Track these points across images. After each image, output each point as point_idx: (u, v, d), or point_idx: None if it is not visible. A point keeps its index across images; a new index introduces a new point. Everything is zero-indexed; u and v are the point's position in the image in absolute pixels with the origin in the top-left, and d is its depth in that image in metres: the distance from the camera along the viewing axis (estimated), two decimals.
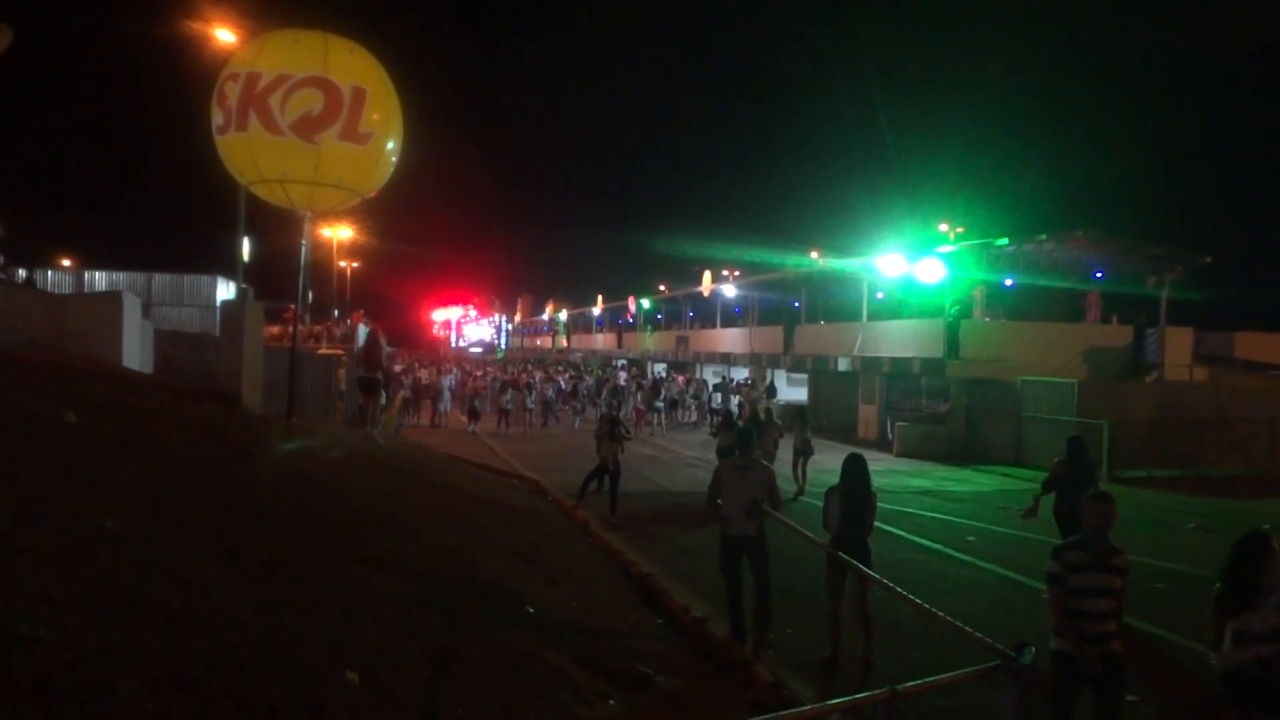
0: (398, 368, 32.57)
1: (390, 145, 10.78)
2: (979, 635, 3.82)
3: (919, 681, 3.48)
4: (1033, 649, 3.46)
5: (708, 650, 7.10)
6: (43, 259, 34.39)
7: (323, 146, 9.89)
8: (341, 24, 10.77)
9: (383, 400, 19.14)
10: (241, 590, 5.00)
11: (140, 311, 13.97)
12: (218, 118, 10.18)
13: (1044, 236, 23.19)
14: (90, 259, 36.31)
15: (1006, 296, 28.04)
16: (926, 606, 4.44)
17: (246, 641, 4.31)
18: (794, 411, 19.67)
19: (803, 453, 16.76)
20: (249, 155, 10.06)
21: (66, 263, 35.12)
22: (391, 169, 11.13)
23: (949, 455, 22.57)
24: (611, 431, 13.22)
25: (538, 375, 33.86)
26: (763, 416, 17.60)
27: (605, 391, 29.77)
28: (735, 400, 27.35)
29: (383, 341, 15.01)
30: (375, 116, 10.31)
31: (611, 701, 5.49)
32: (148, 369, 14.14)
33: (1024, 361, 22.83)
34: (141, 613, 4.16)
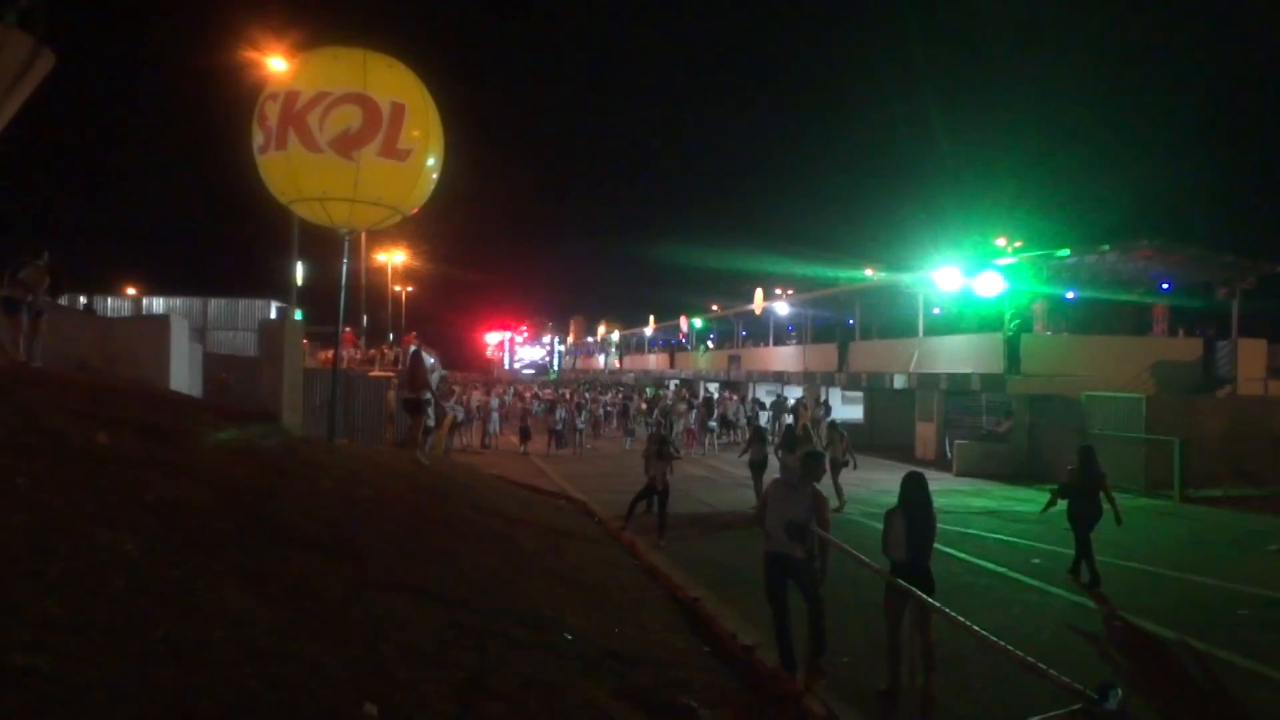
0: (455, 388, 32.71)
1: (431, 162, 10.64)
2: (1054, 674, 3.41)
3: None
4: (1119, 691, 3.04)
5: (757, 681, 6.72)
6: (105, 287, 35.16)
7: (362, 163, 9.79)
8: (384, 42, 10.71)
9: (430, 422, 19.11)
10: (261, 618, 4.76)
11: (188, 334, 14.02)
12: (258, 138, 10.15)
13: (1107, 247, 22.40)
14: (153, 286, 37.11)
15: (1068, 310, 27.18)
16: (995, 640, 4.03)
17: (259, 674, 4.05)
18: (827, 426, 19.35)
19: (840, 465, 16.56)
20: (288, 174, 10.00)
21: (131, 291, 35.90)
22: (433, 186, 10.99)
23: (1011, 474, 21.82)
24: (660, 451, 12.88)
25: (587, 395, 33.69)
26: (799, 432, 17.40)
27: (655, 410, 29.48)
28: (788, 419, 26.81)
29: (428, 361, 14.87)
30: (415, 133, 10.19)
31: None
32: (196, 392, 14.16)
33: (1088, 377, 22.03)
34: (149, 642, 3.93)
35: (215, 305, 28.69)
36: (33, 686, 3.22)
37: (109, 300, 29.07)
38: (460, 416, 27.24)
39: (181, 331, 13.65)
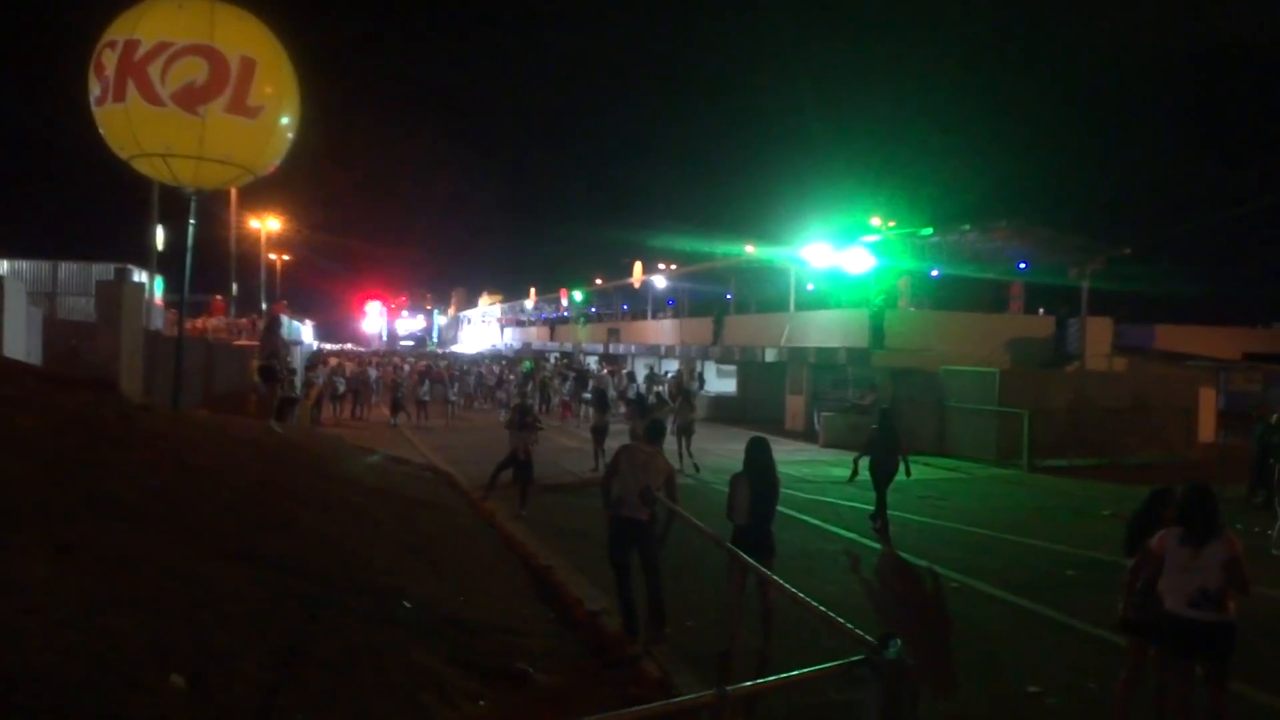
0: (331, 360, 31.81)
1: (285, 120, 10.28)
2: (848, 626, 3.54)
3: (757, 682, 3.19)
4: (899, 641, 3.17)
5: (599, 646, 6.80)
6: None
7: (208, 119, 9.39)
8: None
9: (295, 392, 18.58)
10: (67, 589, 4.55)
11: (23, 298, 13.19)
12: (95, 89, 9.62)
13: (968, 226, 23.28)
14: (3, 250, 34.76)
15: (932, 287, 28.13)
16: (800, 595, 4.16)
17: (53, 647, 3.87)
18: (681, 393, 20.60)
19: (686, 432, 17.97)
20: (128, 128, 9.51)
21: None
22: (287, 145, 10.62)
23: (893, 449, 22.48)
24: (521, 421, 12.82)
25: (464, 367, 33.30)
26: (650, 400, 19.00)
27: (516, 382, 29.42)
28: (658, 390, 27.07)
29: (294, 328, 14.43)
30: (267, 89, 9.83)
31: (481, 702, 5.14)
32: (35, 359, 13.37)
33: (949, 351, 22.93)
34: None
35: (66, 269, 27.02)
36: None
37: None
38: (341, 388, 26.59)
39: (17, 295, 12.84)
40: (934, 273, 27.31)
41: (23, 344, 12.88)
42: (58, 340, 15.30)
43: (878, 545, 11.26)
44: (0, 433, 6.80)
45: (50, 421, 7.53)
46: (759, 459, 7.41)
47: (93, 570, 4.92)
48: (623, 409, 23.72)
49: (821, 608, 3.94)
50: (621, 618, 7.19)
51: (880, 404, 14.42)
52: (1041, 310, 29.08)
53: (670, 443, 16.32)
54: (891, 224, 26.28)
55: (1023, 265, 27.37)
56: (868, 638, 3.40)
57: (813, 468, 18.19)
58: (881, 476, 12.42)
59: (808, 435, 24.69)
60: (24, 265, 26.36)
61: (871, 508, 12.68)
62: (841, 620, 3.74)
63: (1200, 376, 22.85)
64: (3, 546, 4.74)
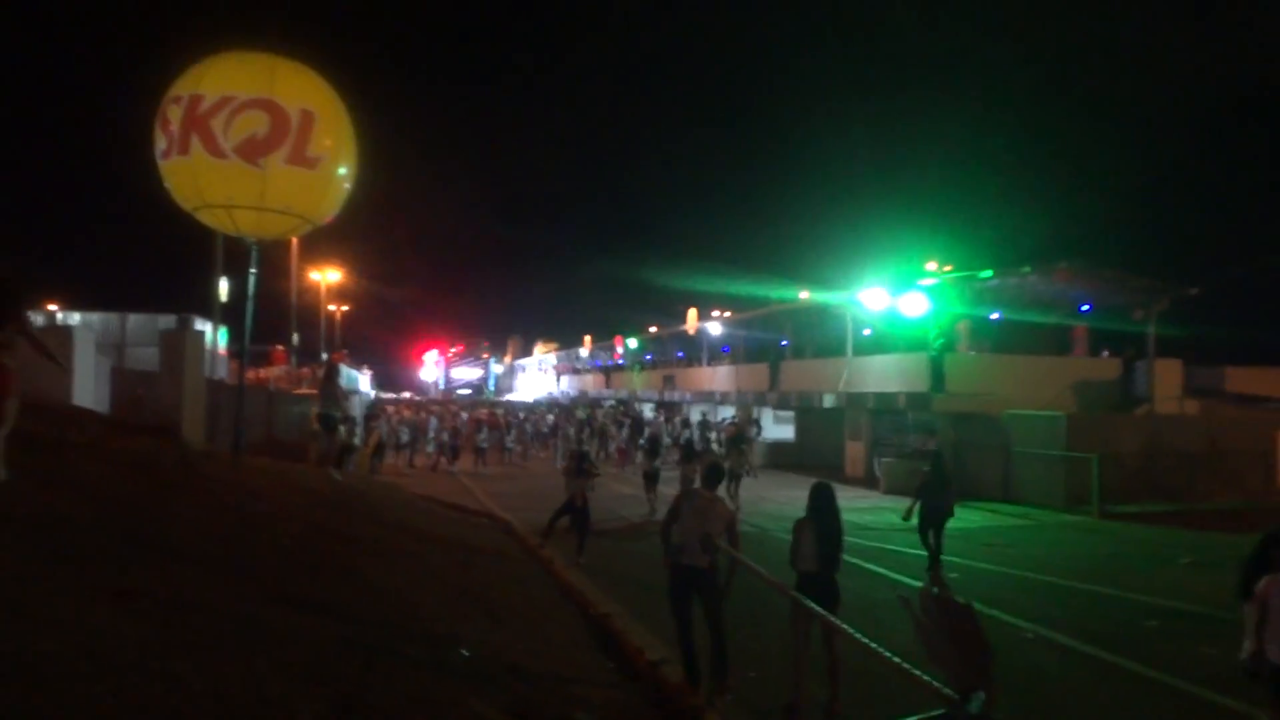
0: (386, 409, 32.15)
1: (343, 171, 10.43)
2: (925, 678, 3.35)
3: None
4: (982, 695, 2.98)
5: (660, 697, 6.59)
6: (27, 304, 33.44)
7: (269, 170, 9.54)
8: (309, 49, 10.45)
9: (356, 440, 18.73)
10: (126, 634, 4.52)
11: (93, 348, 13.52)
12: (161, 143, 9.85)
13: (1028, 269, 22.86)
14: (73, 303, 35.86)
15: (992, 330, 27.66)
16: (874, 646, 3.96)
17: (112, 692, 3.82)
18: (728, 440, 20.89)
19: (736, 476, 18.17)
20: (192, 180, 9.71)
21: (52, 307, 34.63)
22: (345, 195, 10.76)
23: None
24: (579, 468, 12.73)
25: (520, 415, 33.42)
26: (698, 447, 19.63)
27: (573, 429, 29.40)
28: (714, 437, 26.84)
29: (353, 378, 14.58)
30: (326, 141, 9.99)
31: None
32: (102, 407, 13.66)
33: (1011, 396, 22.40)
34: None
35: (135, 321, 27.83)
36: None
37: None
38: (405, 438, 26.75)
39: (87, 345, 13.17)
40: (994, 316, 26.85)
41: (91, 392, 13.18)
42: (124, 389, 15.64)
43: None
44: (66, 477, 6.88)
45: (114, 467, 7.61)
46: (824, 504, 7.23)
47: (152, 615, 4.89)
48: (675, 456, 23.61)
49: (895, 658, 3.75)
50: (683, 668, 6.98)
51: (934, 448, 14.30)
52: (1106, 353, 28.36)
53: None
54: (948, 267, 25.93)
55: (1085, 307, 26.79)
56: (946, 690, 3.22)
57: (875, 514, 17.80)
58: (935, 519, 12.55)
59: (868, 481, 24.24)
60: (94, 317, 27.21)
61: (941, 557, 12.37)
62: (918, 672, 3.56)
63: (1278, 419, 22.06)
64: (65, 590, 4.74)
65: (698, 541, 7.08)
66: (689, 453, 18.65)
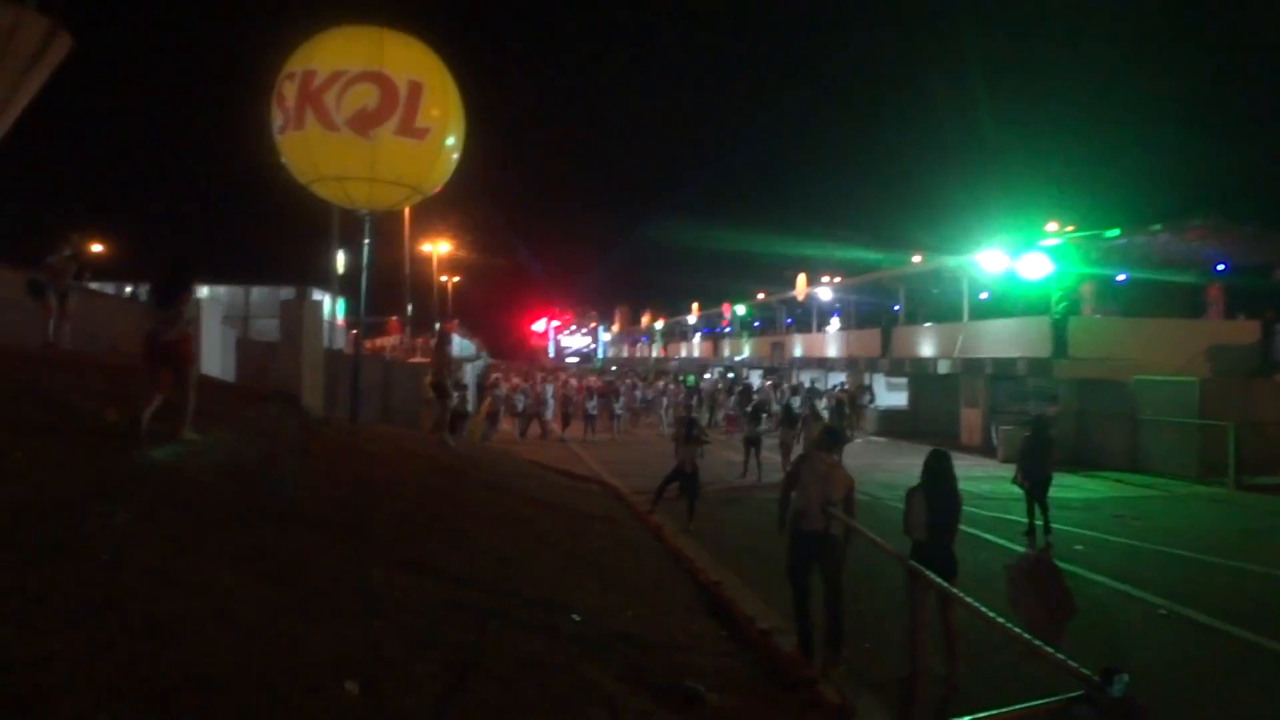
0: (495, 376, 32.73)
1: (450, 141, 10.51)
2: (1060, 657, 3.15)
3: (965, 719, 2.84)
4: (1125, 677, 2.78)
5: (773, 667, 6.49)
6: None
7: (379, 142, 9.69)
8: (413, 21, 10.55)
9: (468, 407, 19.08)
10: (250, 594, 4.65)
11: (219, 319, 14.08)
12: (277, 119, 10.10)
13: (1158, 227, 21.64)
14: (204, 278, 37.54)
15: (1119, 292, 26.35)
16: (1001, 622, 3.77)
17: (237, 649, 3.94)
18: (827, 407, 21.54)
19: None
20: (306, 153, 9.93)
21: None
22: (453, 165, 10.86)
23: (1058, 460, 21.16)
24: (688, 434, 12.65)
25: (626, 382, 33.56)
26: (799, 412, 19.78)
27: (677, 395, 29.42)
28: (822, 404, 26.40)
29: (466, 347, 14.83)
30: (434, 111, 10.07)
31: None
32: (229, 376, 14.24)
33: (1139, 361, 21.34)
34: (125, 615, 3.82)
35: (258, 293, 29.08)
36: None
37: None
38: (521, 406, 27.10)
39: (213, 316, 13.71)
40: (1120, 277, 25.61)
41: (218, 362, 13.75)
42: (249, 359, 16.30)
43: (1070, 567, 10.47)
44: (193, 441, 7.14)
45: (236, 433, 7.87)
46: (939, 471, 6.97)
47: (274, 576, 5.02)
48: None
49: (1026, 635, 3.55)
50: (798, 637, 6.86)
51: (1041, 415, 14.58)
52: (1242, 315, 26.75)
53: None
54: (1070, 228, 24.80)
55: (1221, 267, 25.31)
56: (1084, 671, 3.02)
57: (993, 484, 17.21)
58: (1035, 484, 12.44)
59: (985, 450, 23.50)
60: (221, 290, 28.49)
61: (1065, 528, 11.94)
62: (1049, 649, 3.35)
63: None
64: (195, 550, 4.90)
65: (819, 507, 6.94)
66: (789, 417, 18.92)
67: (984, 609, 3.93)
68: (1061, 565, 10.24)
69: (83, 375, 8.37)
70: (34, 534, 4.47)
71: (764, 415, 20.43)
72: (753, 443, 18.38)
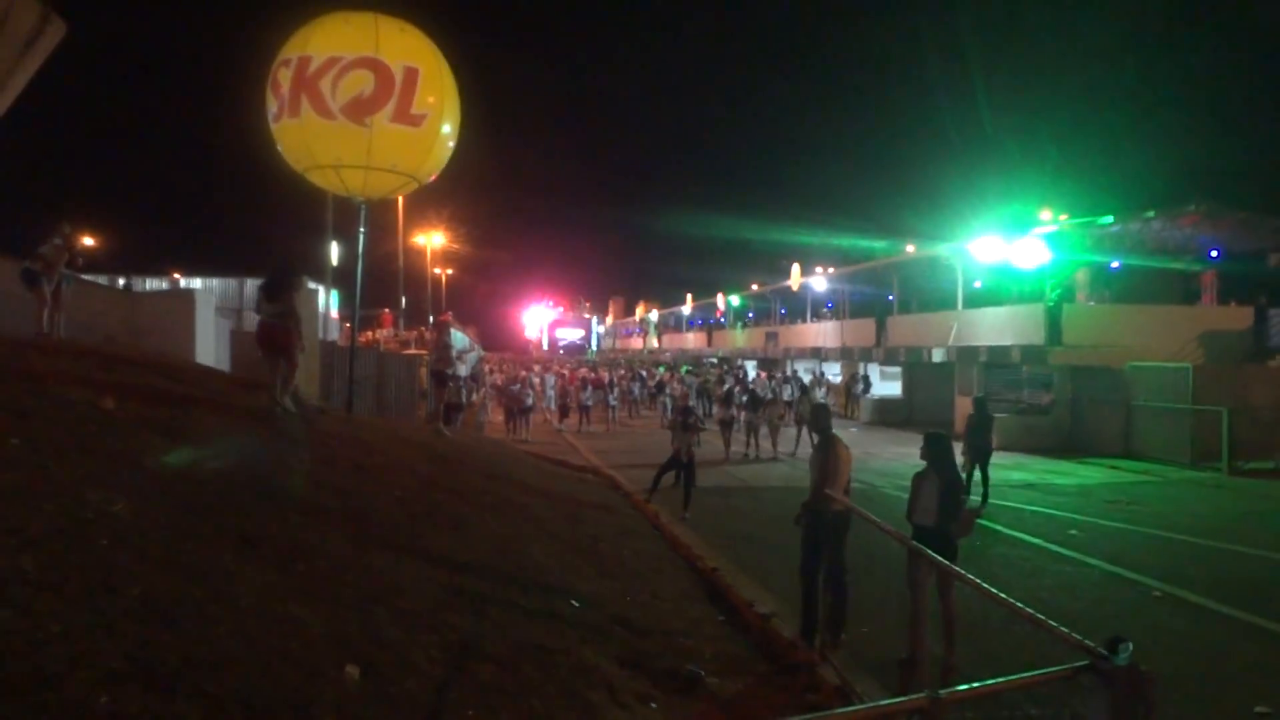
0: (487, 369, 32.67)
1: (446, 128, 10.46)
2: (1063, 630, 3.16)
3: (973, 686, 2.85)
4: (1129, 645, 2.79)
5: (772, 650, 6.50)
6: (153, 270, 35.56)
7: (374, 129, 9.64)
8: (405, 7, 10.49)
9: (462, 398, 19.06)
10: (249, 578, 4.64)
11: (213, 310, 14.04)
12: (272, 106, 10.03)
13: (1152, 214, 21.64)
14: (195, 269, 37.47)
15: (1113, 279, 26.38)
16: (1004, 597, 3.78)
17: (236, 633, 3.93)
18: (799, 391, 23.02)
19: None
20: (301, 141, 9.88)
21: (177, 275, 36.26)
22: (449, 153, 10.81)
23: (1052, 448, 21.31)
24: (684, 423, 12.66)
25: (620, 372, 33.55)
26: (770, 395, 21.06)
27: (668, 385, 29.51)
28: (821, 393, 26.38)
29: (462, 340, 14.81)
30: (429, 98, 10.01)
31: (652, 705, 4.96)
32: (223, 366, 14.20)
33: (1133, 347, 21.41)
34: (124, 599, 3.81)
35: (252, 285, 28.93)
36: None
37: (147, 281, 29.43)
38: (529, 401, 26.92)
39: (207, 307, 13.67)
40: (1115, 264, 25.64)
41: (213, 353, 13.71)
42: (244, 350, 16.23)
43: (1065, 551, 10.51)
44: (189, 430, 7.11)
45: (230, 420, 7.85)
46: (943, 454, 6.98)
47: (273, 561, 5.01)
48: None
49: (1029, 610, 3.56)
50: (801, 620, 6.87)
51: (982, 396, 16.09)
52: (1234, 302, 26.81)
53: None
54: (1064, 217, 24.82)
55: (1215, 253, 25.33)
56: (1088, 643, 3.03)
57: (989, 471, 17.25)
58: (977, 457, 13.81)
59: None
60: (214, 282, 28.37)
61: (1060, 513, 11.97)
62: (1053, 623, 3.36)
63: None
64: (194, 535, 4.89)
65: (840, 489, 7.01)
66: (754, 402, 20.14)
67: (987, 586, 3.94)
68: (1057, 550, 10.32)
69: (79, 364, 8.32)
70: (33, 519, 4.45)
71: (758, 405, 20.69)
72: (726, 425, 19.58)
